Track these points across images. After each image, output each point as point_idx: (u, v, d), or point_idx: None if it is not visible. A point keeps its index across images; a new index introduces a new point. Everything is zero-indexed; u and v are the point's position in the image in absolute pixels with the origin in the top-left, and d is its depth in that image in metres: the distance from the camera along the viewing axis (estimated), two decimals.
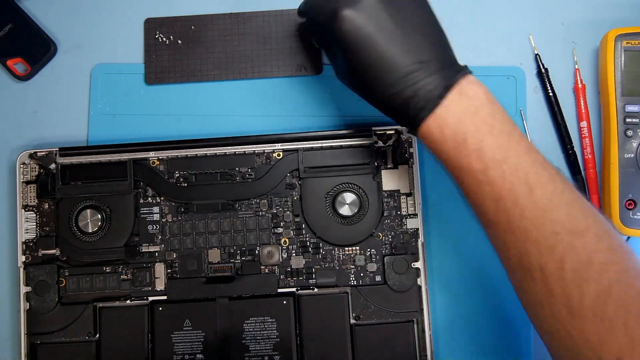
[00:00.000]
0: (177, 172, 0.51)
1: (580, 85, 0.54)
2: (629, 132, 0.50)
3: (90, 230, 0.50)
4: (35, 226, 0.51)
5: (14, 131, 0.57)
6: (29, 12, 0.58)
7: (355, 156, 0.50)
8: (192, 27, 0.57)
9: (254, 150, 0.51)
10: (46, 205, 0.51)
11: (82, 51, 0.57)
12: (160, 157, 0.51)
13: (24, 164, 0.52)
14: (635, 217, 0.49)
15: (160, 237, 0.51)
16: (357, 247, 0.50)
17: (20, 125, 0.57)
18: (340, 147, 0.50)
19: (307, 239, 0.51)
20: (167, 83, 0.56)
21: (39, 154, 0.51)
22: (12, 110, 0.57)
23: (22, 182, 0.51)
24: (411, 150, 0.50)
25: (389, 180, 0.50)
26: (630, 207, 0.49)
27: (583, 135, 0.53)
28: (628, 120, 0.50)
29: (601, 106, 0.54)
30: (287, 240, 0.51)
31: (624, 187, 0.50)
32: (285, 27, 0.57)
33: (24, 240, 0.51)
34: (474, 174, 0.40)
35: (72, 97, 0.57)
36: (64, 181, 0.51)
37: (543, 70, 0.55)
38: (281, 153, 0.51)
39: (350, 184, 0.50)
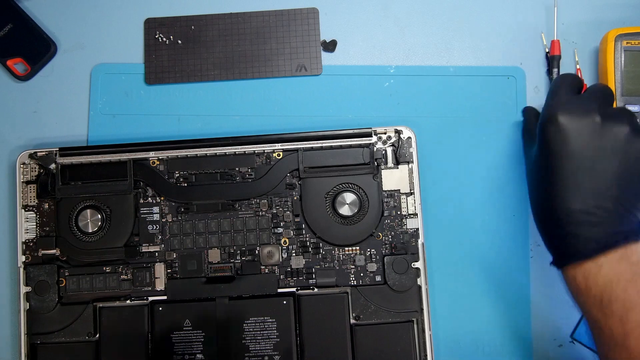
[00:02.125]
0: (177, 172, 0.51)
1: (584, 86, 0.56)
2: None
3: (90, 230, 0.50)
4: (35, 226, 0.50)
5: (14, 131, 0.56)
6: (29, 12, 0.57)
7: (356, 156, 0.50)
8: (192, 27, 0.57)
9: (254, 150, 0.51)
10: (46, 205, 0.51)
11: (82, 51, 0.57)
12: (160, 157, 0.51)
13: (24, 164, 0.51)
14: None
15: (160, 237, 0.51)
16: (357, 247, 0.50)
17: (20, 125, 0.56)
18: (340, 147, 0.50)
19: (307, 239, 0.51)
20: (167, 83, 0.56)
21: (39, 154, 0.51)
22: (12, 110, 0.56)
23: (22, 182, 0.51)
24: (411, 150, 0.50)
25: (389, 180, 0.50)
26: None
27: None
28: None
29: None
30: (287, 240, 0.50)
31: None
32: (285, 27, 0.56)
33: (24, 240, 0.51)
34: (613, 337, 0.38)
35: (72, 97, 0.57)
36: (64, 181, 0.51)
37: (553, 70, 0.54)
38: (281, 153, 0.50)
39: (350, 184, 0.50)
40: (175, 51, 0.56)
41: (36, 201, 0.51)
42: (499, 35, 0.56)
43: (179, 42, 0.57)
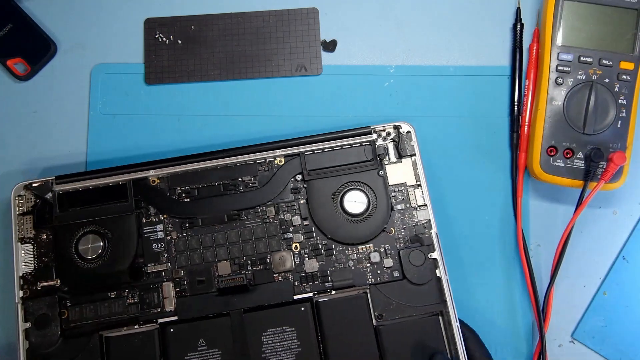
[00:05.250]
0: (178, 188, 0.46)
1: (535, 45, 0.50)
2: (559, 80, 0.47)
3: (91, 256, 0.45)
4: (32, 258, 0.45)
5: (14, 131, 0.51)
6: (29, 12, 0.53)
7: (358, 154, 0.46)
8: (192, 27, 0.52)
9: (255, 159, 0.47)
10: (44, 236, 0.46)
11: (82, 51, 0.52)
12: (160, 175, 0.46)
13: (19, 196, 0.46)
14: (555, 163, 0.46)
15: (166, 255, 0.46)
16: (371, 244, 0.46)
17: (20, 125, 0.52)
18: (342, 147, 0.46)
19: (319, 241, 0.46)
20: (167, 83, 0.51)
21: (34, 184, 0.46)
22: (12, 110, 0.52)
23: (18, 214, 0.45)
24: (412, 143, 0.47)
25: (394, 174, 0.47)
26: (551, 154, 0.46)
27: (525, 93, 0.49)
28: (560, 68, 0.47)
29: (539, 57, 0.49)
30: (297, 244, 0.45)
31: (548, 133, 0.47)
32: (285, 27, 0.51)
33: (21, 274, 0.44)
34: None
35: (72, 97, 0.52)
36: (61, 209, 0.45)
37: (519, 25, 0.50)
38: (282, 159, 0.46)
39: (356, 181, 0.46)
40: (175, 51, 0.51)
41: (33, 232, 0.46)
42: (499, 35, 0.50)
43: (179, 42, 0.52)
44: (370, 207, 0.46)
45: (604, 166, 0.45)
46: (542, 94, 0.47)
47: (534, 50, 0.48)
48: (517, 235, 0.47)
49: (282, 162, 0.47)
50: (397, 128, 0.48)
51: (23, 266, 0.45)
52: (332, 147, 0.47)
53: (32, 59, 0.51)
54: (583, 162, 0.45)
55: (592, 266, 0.48)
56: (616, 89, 0.45)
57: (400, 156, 0.48)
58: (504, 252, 0.48)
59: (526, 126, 0.48)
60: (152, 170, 0.46)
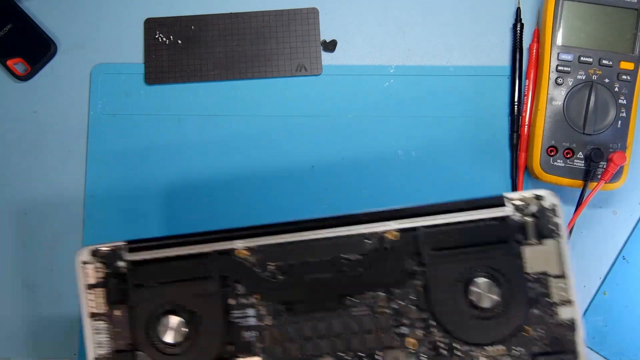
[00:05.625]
0: (271, 264, 0.40)
1: (535, 45, 0.49)
2: (560, 80, 0.47)
3: (174, 341, 0.40)
4: (108, 338, 0.40)
5: (14, 131, 0.51)
6: (29, 12, 0.52)
7: (488, 233, 0.39)
8: (192, 27, 0.51)
9: (363, 232, 0.40)
10: (118, 312, 0.40)
11: (82, 51, 0.52)
12: (249, 246, 0.40)
13: (85, 262, 0.40)
14: (555, 163, 0.46)
15: (259, 345, 0.40)
16: (502, 346, 0.39)
17: (20, 125, 0.52)
18: (469, 222, 0.39)
19: (439, 338, 0.39)
20: (167, 83, 0.51)
21: (101, 249, 0.40)
22: (12, 110, 0.52)
23: (86, 285, 0.40)
24: (557, 220, 0.39)
25: (533, 260, 0.39)
26: (551, 154, 0.46)
27: (525, 93, 0.49)
28: (560, 68, 0.47)
29: (539, 57, 0.49)
30: (414, 342, 0.39)
31: (548, 133, 0.47)
32: (285, 27, 0.51)
33: (96, 356, 0.40)
34: None
35: (72, 97, 0.51)
36: (136, 283, 0.40)
37: (519, 25, 0.49)
38: (397, 234, 0.40)
39: (486, 267, 0.39)
40: (175, 51, 0.51)
41: (106, 307, 0.40)
42: (500, 35, 0.50)
43: (179, 42, 0.51)
44: (503, 300, 0.39)
45: (604, 166, 0.45)
46: (542, 94, 0.47)
47: (534, 50, 0.48)
48: None
49: (396, 237, 0.40)
50: (538, 199, 0.40)
51: (97, 347, 0.40)
52: (457, 222, 0.40)
53: (32, 59, 0.50)
54: (583, 162, 0.45)
55: (592, 266, 0.48)
56: (616, 89, 0.45)
57: (540, 236, 0.40)
58: None
59: (526, 126, 0.48)
60: (240, 241, 0.40)
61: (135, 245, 0.41)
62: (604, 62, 0.46)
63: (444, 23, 0.52)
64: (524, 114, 0.48)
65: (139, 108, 0.50)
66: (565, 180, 0.45)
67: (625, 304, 0.47)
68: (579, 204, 0.45)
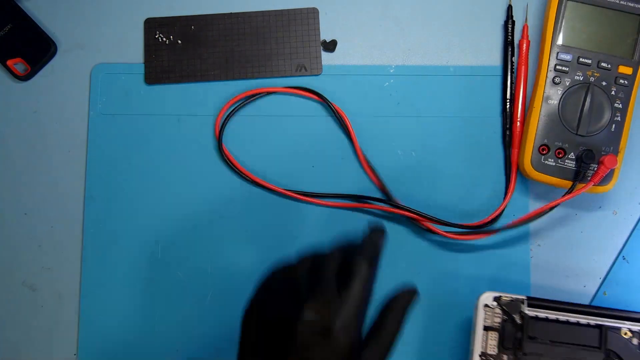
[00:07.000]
0: None
1: (525, 42, 0.50)
2: (557, 79, 0.47)
3: None
4: None
5: (14, 131, 0.51)
6: (29, 12, 0.52)
7: None
8: (192, 27, 0.51)
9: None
10: (505, 357, 0.42)
11: (82, 51, 0.52)
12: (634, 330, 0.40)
13: (487, 305, 0.43)
14: (546, 162, 0.46)
15: None
16: None
17: (20, 125, 0.51)
18: None
19: None
20: (167, 83, 0.51)
21: (503, 298, 0.42)
22: (12, 110, 0.51)
23: (483, 326, 0.43)
24: None
25: None
26: (543, 152, 0.46)
27: (516, 89, 0.49)
28: (558, 67, 0.47)
29: (538, 55, 0.49)
30: None
31: (541, 132, 0.47)
32: (285, 27, 0.51)
33: None
34: None
35: (72, 97, 0.51)
36: (531, 335, 0.43)
37: (510, 22, 0.50)
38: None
39: None
40: (175, 51, 0.51)
41: (496, 350, 0.43)
42: (500, 35, 0.50)
43: (179, 42, 0.51)
44: None
45: (595, 168, 0.45)
46: (539, 92, 0.47)
47: (524, 47, 0.48)
48: None
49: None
50: None
51: None
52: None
53: (32, 59, 0.51)
54: (574, 162, 0.45)
55: (592, 266, 0.48)
56: (613, 93, 0.45)
57: None
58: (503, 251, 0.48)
59: (518, 122, 0.48)
60: (629, 323, 0.41)
61: (535, 302, 0.44)
62: (603, 64, 0.46)
63: (444, 23, 0.52)
64: (515, 110, 0.48)
65: (138, 108, 0.50)
66: (555, 180, 0.45)
67: (625, 304, 0.47)
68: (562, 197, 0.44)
